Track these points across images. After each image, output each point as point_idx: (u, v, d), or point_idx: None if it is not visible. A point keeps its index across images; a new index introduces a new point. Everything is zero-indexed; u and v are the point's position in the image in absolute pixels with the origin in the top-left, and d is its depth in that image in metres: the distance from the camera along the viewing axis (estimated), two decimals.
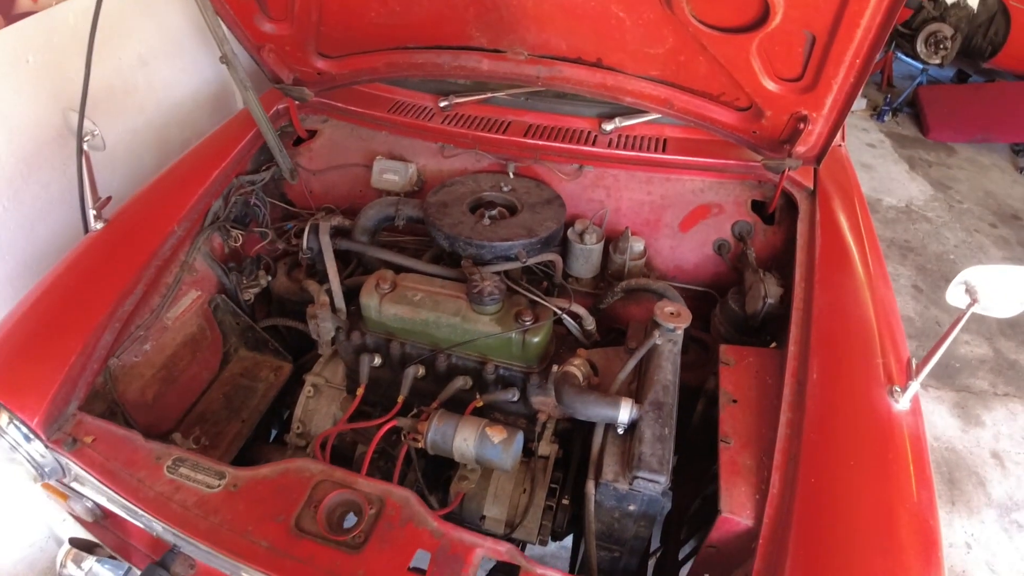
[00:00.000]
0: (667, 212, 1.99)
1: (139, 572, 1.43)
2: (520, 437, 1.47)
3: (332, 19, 1.86)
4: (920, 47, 5.53)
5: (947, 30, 5.37)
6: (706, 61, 1.65)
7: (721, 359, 1.55)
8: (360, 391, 1.64)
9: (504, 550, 1.15)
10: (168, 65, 2.46)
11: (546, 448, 1.57)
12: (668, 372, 1.44)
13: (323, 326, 1.70)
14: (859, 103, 5.72)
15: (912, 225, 4.39)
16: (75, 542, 1.59)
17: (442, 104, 2.15)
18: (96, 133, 1.65)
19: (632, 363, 1.48)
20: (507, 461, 1.42)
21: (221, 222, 1.90)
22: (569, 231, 1.90)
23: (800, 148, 1.80)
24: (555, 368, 1.53)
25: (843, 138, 2.19)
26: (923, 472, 1.27)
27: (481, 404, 1.59)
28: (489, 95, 2.14)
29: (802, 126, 1.70)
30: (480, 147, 2.07)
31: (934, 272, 3.96)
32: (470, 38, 1.83)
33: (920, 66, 5.76)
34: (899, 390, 1.35)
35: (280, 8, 1.84)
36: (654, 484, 1.28)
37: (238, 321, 1.91)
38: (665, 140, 2.04)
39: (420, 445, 1.46)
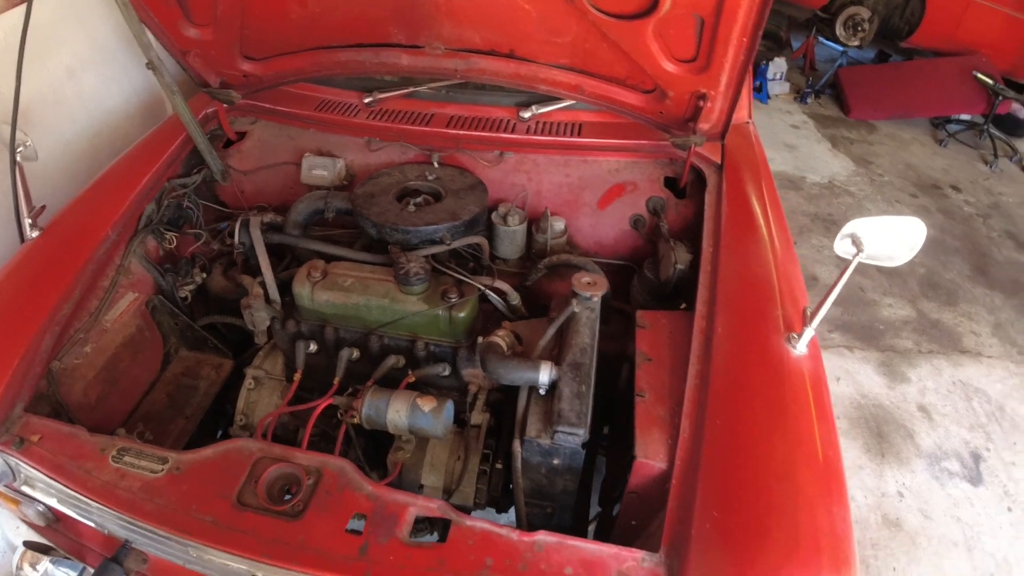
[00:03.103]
0: (585, 192, 2.11)
1: (93, 571, 1.47)
2: (450, 405, 1.56)
3: (255, 22, 1.92)
4: (839, 30, 5.80)
5: (865, 13, 5.64)
6: (609, 47, 1.76)
7: (637, 323, 1.67)
8: (297, 376, 1.71)
9: (436, 506, 1.24)
10: (97, 74, 2.48)
11: (478, 417, 1.66)
12: (586, 336, 1.55)
13: (257, 316, 1.78)
14: (782, 87, 5.96)
15: (835, 199, 4.61)
16: (29, 544, 1.62)
17: (367, 100, 2.22)
18: (28, 144, 1.68)
19: (552, 330, 1.59)
20: (438, 428, 1.51)
21: (154, 225, 1.95)
22: (493, 215, 2.01)
23: (704, 125, 1.93)
24: (480, 339, 1.63)
25: (750, 116, 2.32)
26: (823, 409, 1.39)
27: (413, 379, 1.67)
28: (411, 89, 2.23)
29: (702, 103, 1.83)
30: (405, 139, 2.17)
31: None
32: (389, 35, 1.92)
33: (841, 48, 6.03)
34: (796, 336, 1.47)
35: (204, 13, 1.89)
36: (573, 436, 1.39)
37: (177, 321, 1.96)
38: (581, 125, 2.16)
39: (356, 421, 1.54)
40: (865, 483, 2.70)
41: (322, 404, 1.57)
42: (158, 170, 2.00)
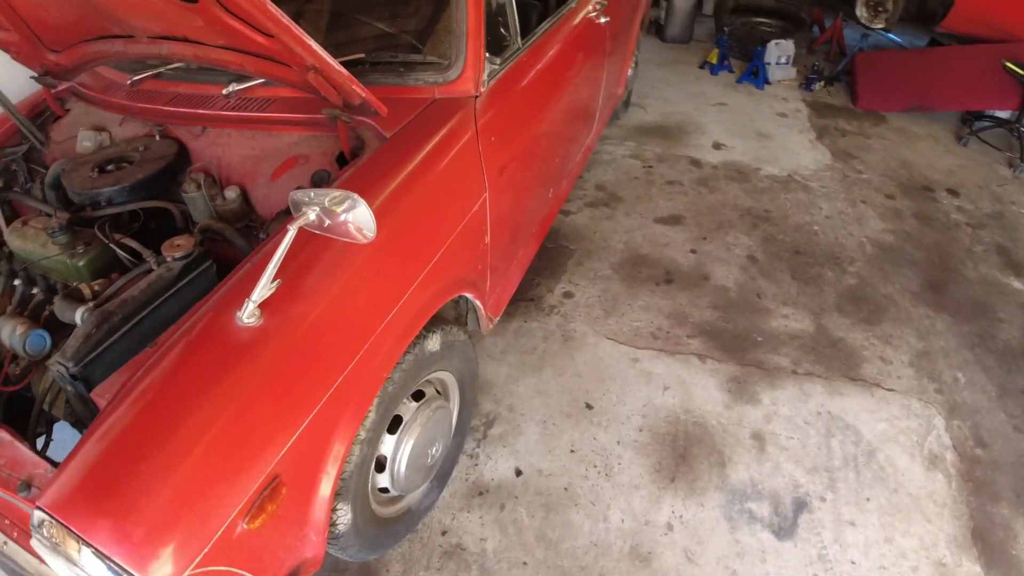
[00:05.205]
0: (263, 164, 2.10)
1: None
2: (37, 332, 1.75)
3: (35, 25, 2.16)
4: (860, 10, 5.15)
5: None
6: (240, 26, 1.69)
7: None
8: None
9: None
10: None
11: None
12: (137, 290, 1.68)
13: None
14: (787, 72, 5.37)
15: (784, 195, 4.11)
16: None
17: (128, 81, 2.37)
18: None
19: (120, 281, 1.77)
20: (20, 348, 1.74)
21: None
22: (184, 185, 2.06)
23: (354, 101, 1.85)
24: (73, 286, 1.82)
25: (476, 90, 2.13)
26: (270, 373, 1.40)
27: (47, 313, 1.86)
28: (157, 71, 2.34)
29: (313, 78, 1.73)
30: (136, 116, 2.32)
31: (783, 243, 3.70)
32: (107, 28, 2.07)
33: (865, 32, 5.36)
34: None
35: (4, 19, 2.14)
36: (64, 367, 1.53)
37: None
38: (273, 100, 2.13)
39: None
40: (632, 506, 2.41)
41: None
42: None
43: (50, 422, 1.88)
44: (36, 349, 1.77)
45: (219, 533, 1.27)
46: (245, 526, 1.32)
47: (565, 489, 2.46)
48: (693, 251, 3.64)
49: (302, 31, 1.56)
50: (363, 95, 1.79)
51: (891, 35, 5.59)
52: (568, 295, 3.33)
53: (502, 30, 2.35)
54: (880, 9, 5.08)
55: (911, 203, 4.13)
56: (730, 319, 3.22)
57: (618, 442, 2.63)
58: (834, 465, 2.59)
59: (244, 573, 1.38)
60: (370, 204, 1.69)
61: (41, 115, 2.54)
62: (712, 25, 6.49)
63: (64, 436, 1.87)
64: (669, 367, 2.95)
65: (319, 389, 1.49)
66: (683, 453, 2.60)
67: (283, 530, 1.48)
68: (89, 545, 1.17)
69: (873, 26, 5.20)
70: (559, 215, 3.91)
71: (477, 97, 2.13)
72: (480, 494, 2.44)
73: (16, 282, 2.02)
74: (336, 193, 1.33)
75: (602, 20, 3.24)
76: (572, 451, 2.59)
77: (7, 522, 1.60)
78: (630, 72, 4.42)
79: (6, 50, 2.30)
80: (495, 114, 2.19)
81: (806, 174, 4.33)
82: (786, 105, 5.14)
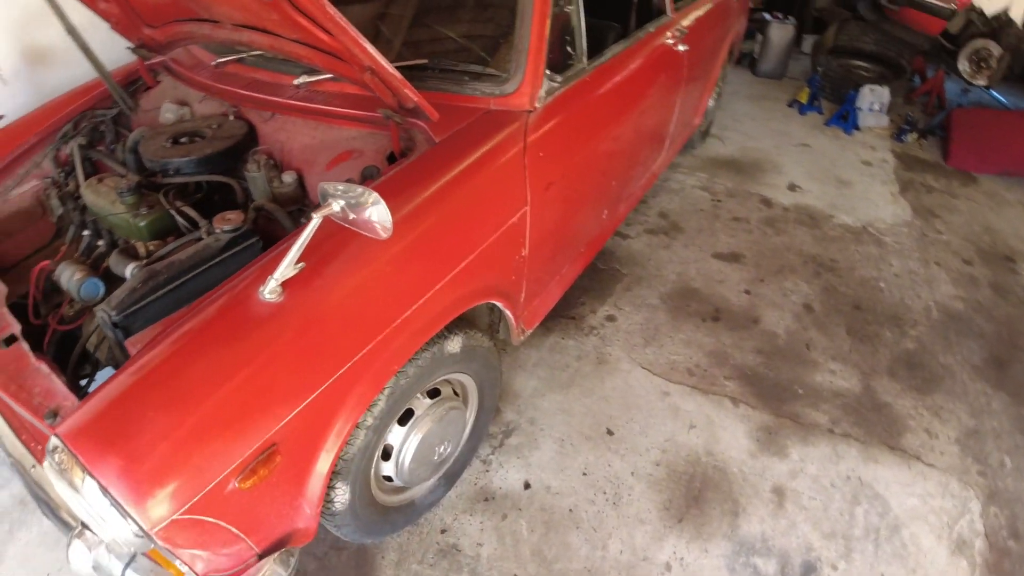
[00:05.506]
0: (321, 154, 2.18)
1: None
2: (95, 280, 1.91)
3: (133, 0, 2.34)
4: (962, 64, 4.92)
5: (994, 48, 4.74)
6: (306, 23, 1.78)
7: None
8: (63, 248, 2.19)
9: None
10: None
11: None
12: (185, 255, 1.79)
13: (52, 203, 2.35)
14: (879, 119, 5.17)
15: (855, 246, 3.96)
16: None
17: (213, 63, 2.54)
18: None
19: (172, 245, 1.90)
20: (76, 292, 1.90)
21: (68, 138, 2.49)
22: (247, 164, 2.18)
23: (407, 103, 1.93)
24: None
25: (531, 105, 2.16)
26: (282, 348, 1.48)
27: (106, 264, 2.01)
28: (241, 56, 2.51)
29: (370, 79, 1.82)
30: (215, 95, 2.47)
31: (843, 296, 3.57)
32: (197, 12, 2.21)
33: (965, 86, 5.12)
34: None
35: None
36: (107, 315, 1.65)
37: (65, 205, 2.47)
38: (338, 95, 2.23)
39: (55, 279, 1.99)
40: (634, 539, 2.38)
41: (39, 266, 2.01)
42: (86, 102, 2.62)
43: (96, 365, 2.03)
44: (89, 295, 1.93)
45: (211, 486, 1.36)
46: (237, 484, 1.40)
47: (570, 510, 2.46)
48: (747, 292, 3.56)
49: (359, 34, 1.63)
50: (415, 99, 1.85)
51: (994, 93, 5.34)
52: (611, 318, 3.32)
53: (568, 48, 2.37)
54: (983, 65, 4.85)
55: (989, 272, 3.91)
56: (773, 367, 3.13)
57: (632, 473, 2.61)
58: (854, 534, 2.48)
59: (230, 527, 1.45)
60: (407, 204, 1.78)
61: (134, 83, 2.72)
62: (808, 64, 6.33)
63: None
64: (699, 406, 2.90)
65: (326, 370, 1.55)
66: (697, 495, 2.56)
67: (275, 496, 1.55)
68: (92, 476, 1.28)
69: (975, 82, 4.96)
70: (615, 238, 3.89)
71: (531, 112, 2.17)
72: (485, 500, 2.47)
73: (85, 232, 2.21)
74: (359, 189, 1.40)
75: (680, 48, 3.21)
76: (584, 474, 2.59)
77: (39, 448, 1.74)
78: (710, 103, 4.36)
79: (107, 20, 2.47)
80: (549, 131, 2.21)
81: (882, 227, 4.16)
82: (873, 154, 4.95)
